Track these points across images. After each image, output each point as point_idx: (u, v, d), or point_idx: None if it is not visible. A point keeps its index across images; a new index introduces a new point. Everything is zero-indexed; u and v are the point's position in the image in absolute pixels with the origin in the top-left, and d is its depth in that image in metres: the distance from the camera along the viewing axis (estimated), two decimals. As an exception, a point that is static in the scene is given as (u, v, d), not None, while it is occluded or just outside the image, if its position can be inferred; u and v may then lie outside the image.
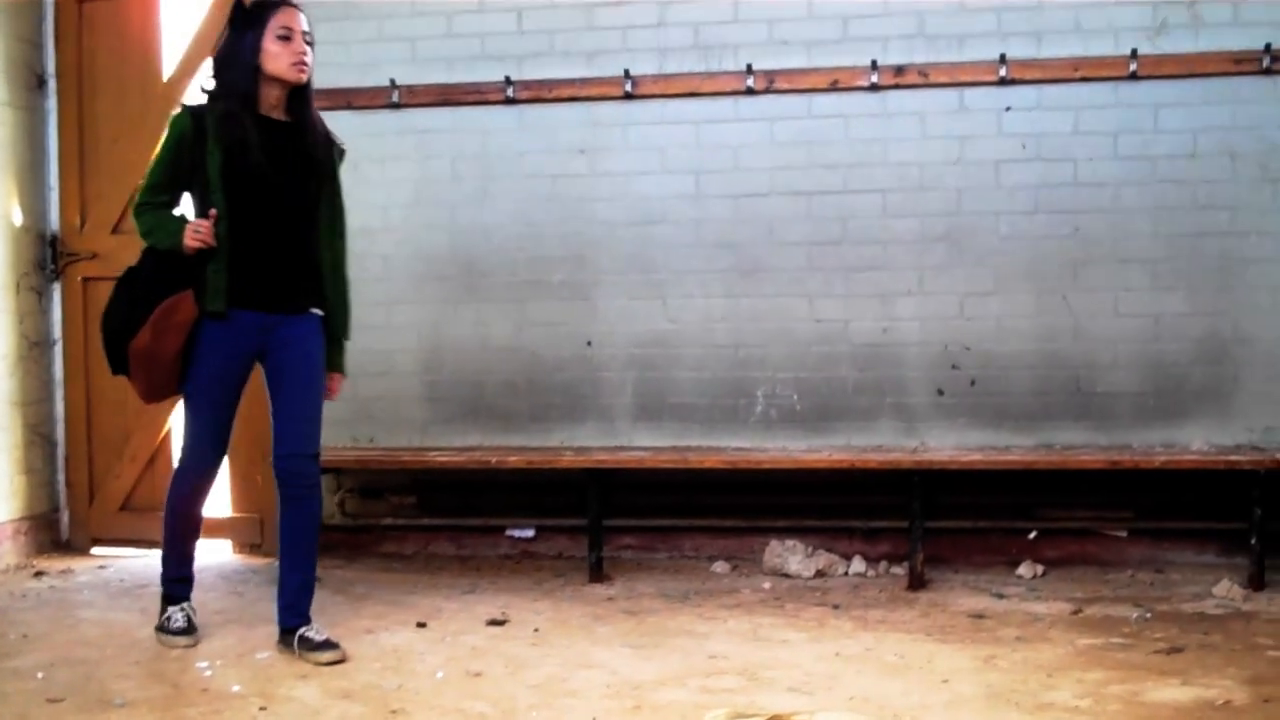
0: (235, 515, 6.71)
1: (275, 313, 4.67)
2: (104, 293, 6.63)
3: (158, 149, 4.63)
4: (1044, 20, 6.10)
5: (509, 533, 6.51)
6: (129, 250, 6.60)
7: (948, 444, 6.17)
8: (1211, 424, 6.03)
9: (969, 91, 6.17)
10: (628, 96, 6.33)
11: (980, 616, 5.22)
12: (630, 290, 6.40)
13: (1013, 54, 6.10)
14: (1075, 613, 5.26)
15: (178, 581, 4.94)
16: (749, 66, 6.25)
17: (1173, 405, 6.06)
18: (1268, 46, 5.89)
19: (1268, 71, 5.92)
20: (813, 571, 5.97)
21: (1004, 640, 4.85)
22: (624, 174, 6.39)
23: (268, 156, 4.56)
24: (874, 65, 6.17)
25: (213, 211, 4.49)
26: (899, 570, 5.98)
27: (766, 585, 5.84)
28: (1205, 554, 6.03)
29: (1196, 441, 6.00)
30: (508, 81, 6.37)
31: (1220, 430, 6.02)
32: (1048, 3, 6.10)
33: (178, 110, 4.64)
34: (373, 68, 6.49)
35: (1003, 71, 6.09)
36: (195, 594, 5.70)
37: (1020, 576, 5.88)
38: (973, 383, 6.19)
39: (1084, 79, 6.07)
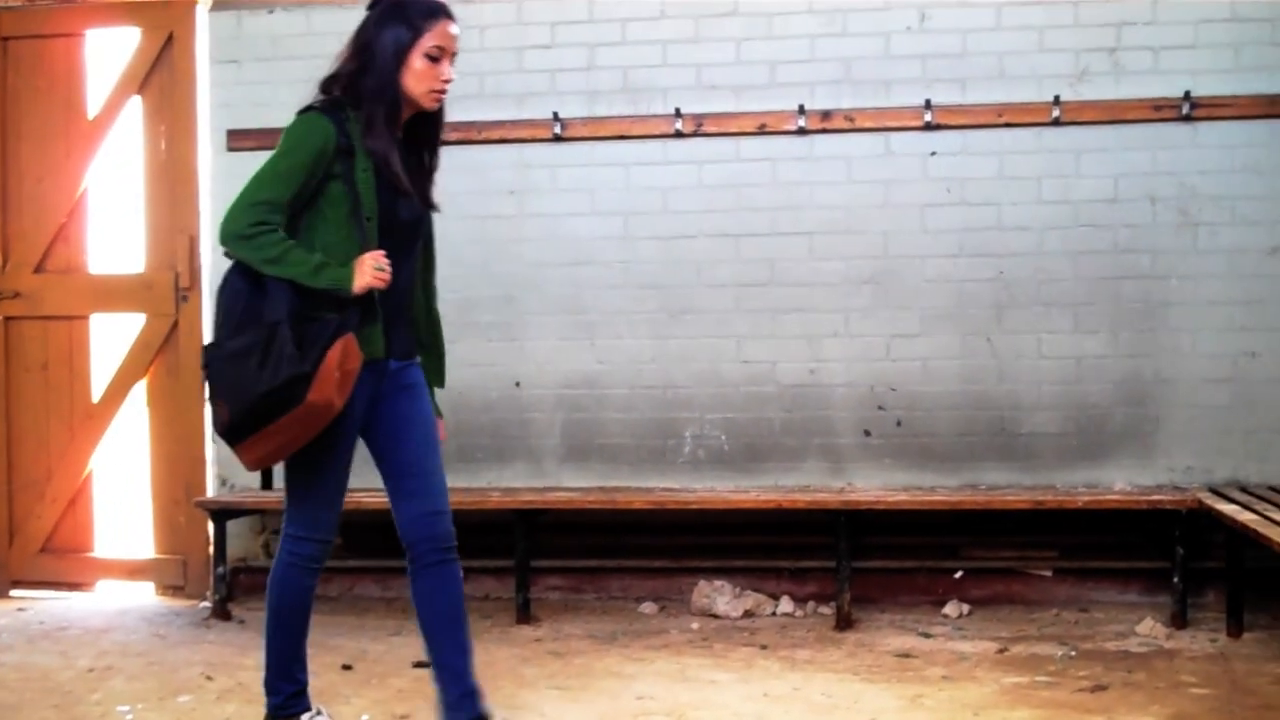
0: (158, 556, 6.63)
1: (398, 359, 3.95)
2: (28, 332, 6.66)
3: (282, 158, 3.76)
4: (968, 67, 6.19)
5: (436, 574, 6.46)
6: (52, 290, 6.62)
7: (874, 484, 6.20)
8: (1134, 464, 6.10)
9: (895, 136, 6.24)
10: (557, 139, 6.36)
11: (907, 656, 5.25)
12: (559, 331, 6.40)
13: (938, 100, 6.17)
14: (1001, 651, 5.29)
15: (300, 695, 4.06)
16: (678, 110, 6.29)
17: (1095, 446, 6.13)
18: (1187, 94, 6.00)
19: (1187, 118, 6.03)
20: (740, 612, 5.98)
21: (930, 679, 4.87)
22: (553, 215, 6.40)
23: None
24: (801, 110, 6.23)
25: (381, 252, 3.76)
26: (826, 610, 5.99)
27: (694, 626, 5.84)
28: (1128, 593, 6.09)
29: (1119, 482, 6.07)
30: (437, 122, 6.37)
31: (1142, 470, 6.09)
32: (972, 49, 6.19)
33: (311, 114, 3.82)
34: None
35: (928, 117, 6.16)
36: (117, 635, 5.64)
37: (946, 616, 5.91)
38: (899, 423, 6.23)
39: (1008, 124, 6.16)
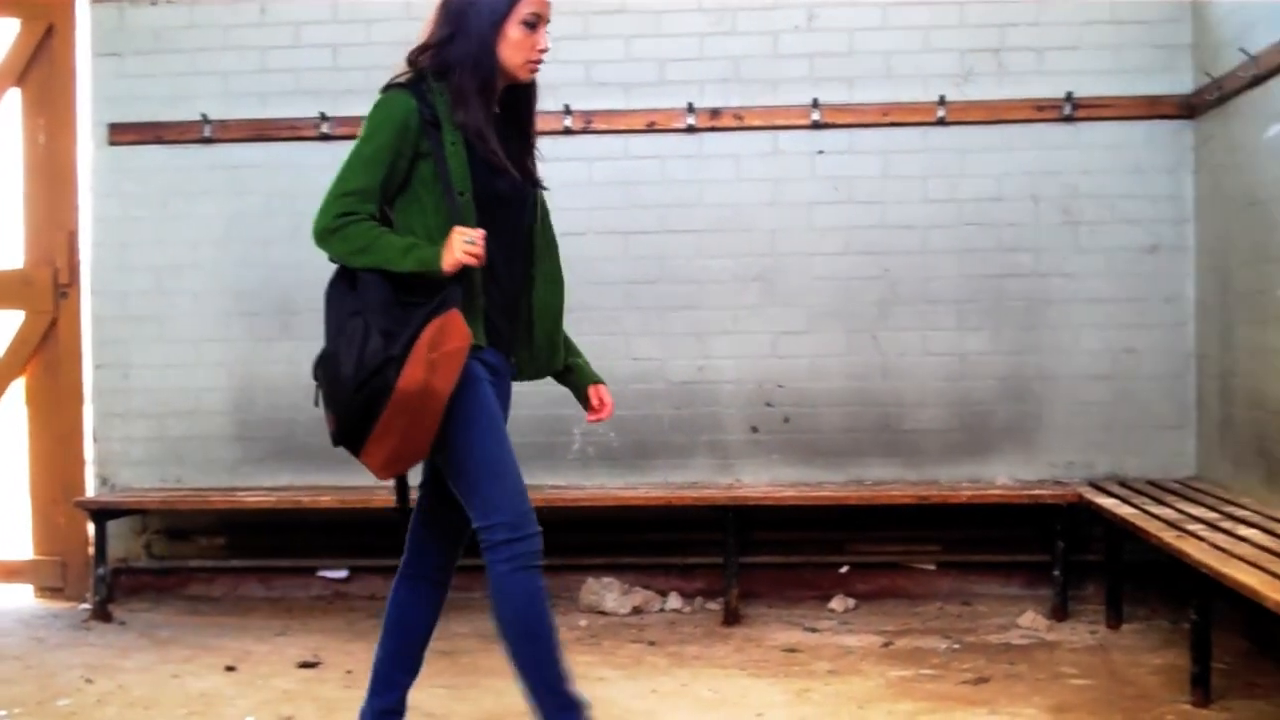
0: (37, 558, 6.50)
1: (505, 355, 3.74)
2: (-102, 328, 6.50)
3: (366, 143, 3.54)
4: (855, 66, 6.24)
5: (321, 574, 6.40)
6: (-75, 284, 6.46)
7: (762, 480, 6.23)
8: (1016, 459, 6.19)
9: (783, 135, 6.28)
10: (445, 134, 6.31)
11: (793, 650, 5.28)
12: (447, 328, 6.35)
13: (825, 98, 6.22)
14: (886, 645, 5.34)
15: (576, 709, 3.65)
16: (567, 107, 6.27)
17: (979, 441, 6.21)
18: (1069, 95, 6.10)
19: (1069, 119, 6.12)
20: (629, 608, 5.98)
21: (817, 673, 4.91)
22: (441, 211, 6.35)
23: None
24: (690, 108, 6.24)
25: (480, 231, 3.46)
26: (714, 606, 6.01)
27: (583, 623, 5.83)
28: (1011, 586, 6.17)
29: (1001, 476, 6.15)
30: (323, 118, 6.30)
31: (1024, 466, 6.18)
32: (859, 49, 6.24)
33: (391, 91, 3.60)
34: (184, 101, 6.38)
35: (815, 115, 6.20)
36: (-8, 639, 5.51)
37: (833, 610, 5.95)
38: (786, 420, 6.27)
39: (894, 124, 6.21)
